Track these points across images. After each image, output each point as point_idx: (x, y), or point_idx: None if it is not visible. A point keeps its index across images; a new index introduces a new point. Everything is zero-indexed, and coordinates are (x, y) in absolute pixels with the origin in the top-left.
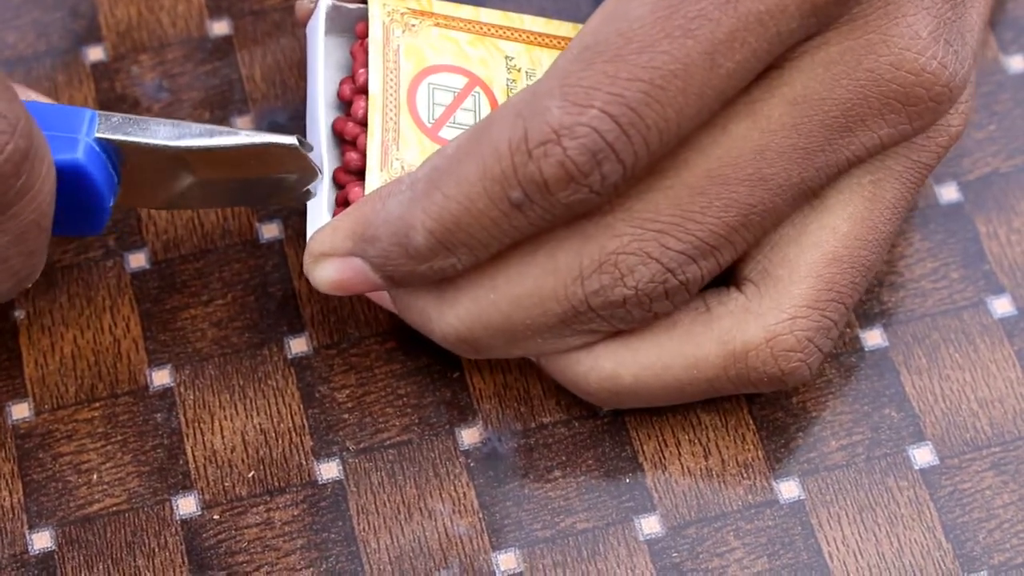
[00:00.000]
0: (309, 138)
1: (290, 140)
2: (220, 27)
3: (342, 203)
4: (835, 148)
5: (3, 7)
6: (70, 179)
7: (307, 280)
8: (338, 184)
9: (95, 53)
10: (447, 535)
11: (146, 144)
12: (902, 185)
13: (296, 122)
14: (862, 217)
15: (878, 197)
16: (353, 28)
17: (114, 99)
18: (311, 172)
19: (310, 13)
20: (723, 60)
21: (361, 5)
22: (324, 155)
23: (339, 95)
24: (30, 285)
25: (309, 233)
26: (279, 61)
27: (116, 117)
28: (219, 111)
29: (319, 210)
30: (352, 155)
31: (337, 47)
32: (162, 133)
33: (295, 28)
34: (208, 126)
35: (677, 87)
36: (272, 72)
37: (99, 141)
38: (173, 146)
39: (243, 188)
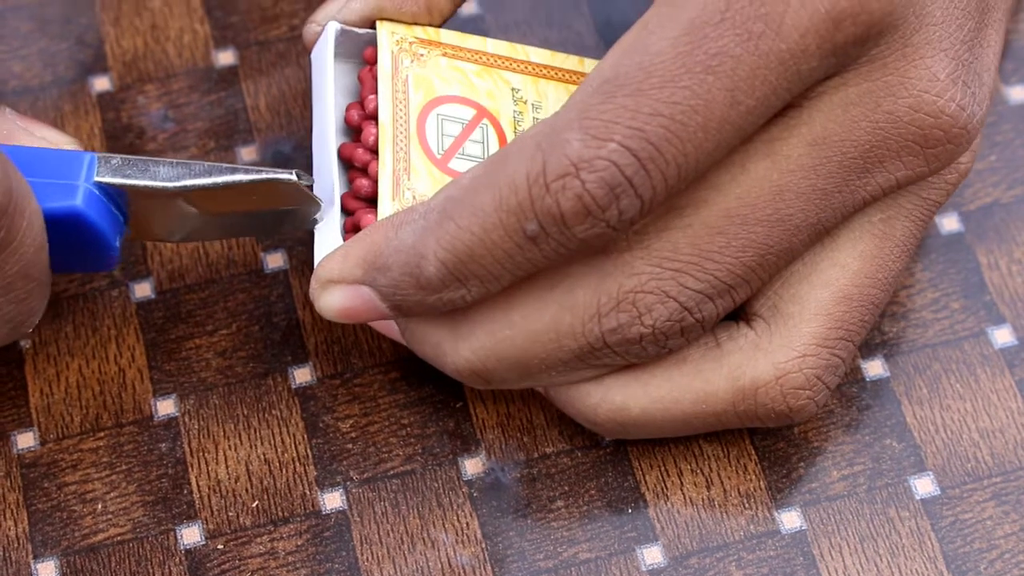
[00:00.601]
0: (317, 164)
1: (288, 175)
2: (225, 57)
3: (351, 229)
4: (852, 189)
5: (10, 37)
6: (72, 224)
7: (311, 310)
8: (346, 210)
9: (101, 83)
10: (450, 565)
11: (146, 186)
12: (912, 222)
13: (301, 152)
14: (872, 255)
15: (888, 235)
16: (359, 53)
17: (120, 129)
18: (314, 204)
19: (317, 37)
20: (743, 97)
21: (369, 31)
22: (335, 180)
23: (346, 120)
24: (30, 331)
25: (317, 258)
26: (284, 91)
27: (116, 159)
28: (224, 141)
29: (330, 235)
30: (362, 181)
31: (343, 72)
32: (162, 174)
33: (300, 58)
34: (208, 164)
35: (697, 123)
36: (277, 102)
37: (100, 185)
38: (173, 187)
39: (249, 221)
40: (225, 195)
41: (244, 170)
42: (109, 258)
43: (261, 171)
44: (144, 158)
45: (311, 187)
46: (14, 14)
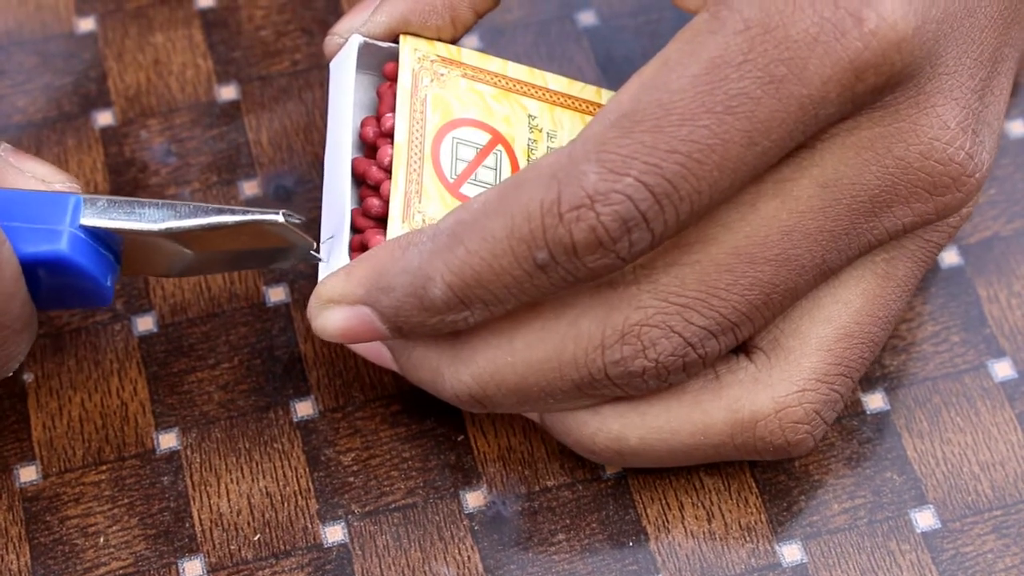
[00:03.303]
0: (329, 176)
1: (275, 216)
2: (228, 92)
3: (358, 248)
4: (859, 232)
5: (14, 72)
6: (58, 268)
7: (313, 343)
8: (355, 228)
9: (104, 118)
10: None
11: (131, 229)
12: (914, 263)
13: (303, 186)
14: (874, 293)
15: (890, 275)
16: (377, 66)
17: (122, 163)
18: (304, 242)
19: (339, 49)
20: (760, 139)
21: (391, 44)
22: (347, 195)
23: (361, 136)
24: (10, 374)
25: (322, 275)
26: (286, 126)
27: (102, 201)
28: (227, 175)
29: (338, 252)
30: (374, 201)
31: (360, 84)
32: (147, 216)
33: (301, 93)
34: (195, 205)
35: (714, 162)
36: (279, 137)
37: (86, 228)
38: (158, 229)
39: (242, 257)
40: (212, 236)
41: (231, 211)
42: (101, 296)
43: (248, 212)
44: (130, 199)
45: (299, 224)
46: (18, 49)
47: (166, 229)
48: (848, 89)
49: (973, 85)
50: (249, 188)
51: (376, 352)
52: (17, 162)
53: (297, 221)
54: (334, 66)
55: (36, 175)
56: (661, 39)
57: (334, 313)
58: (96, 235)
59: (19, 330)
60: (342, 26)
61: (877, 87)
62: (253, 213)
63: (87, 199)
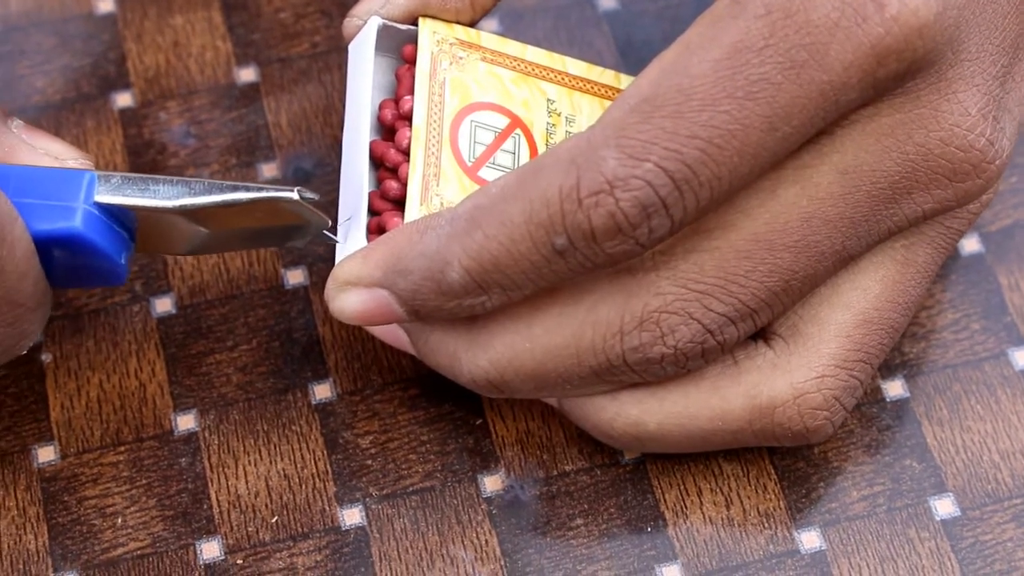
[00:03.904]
0: (347, 159)
1: (290, 193)
2: (247, 74)
3: (376, 230)
4: (879, 218)
5: (33, 52)
6: (72, 245)
7: (332, 326)
8: (373, 210)
9: (123, 99)
10: None
11: (145, 205)
12: (934, 249)
13: (322, 168)
14: (894, 280)
15: (910, 261)
16: (396, 48)
17: (141, 145)
18: (319, 219)
19: (358, 31)
20: (780, 124)
21: (410, 27)
22: (365, 178)
23: (379, 119)
24: (24, 352)
25: (339, 257)
26: (305, 108)
27: (116, 177)
28: (246, 157)
29: (355, 234)
30: (392, 183)
31: (379, 66)
32: (162, 192)
33: (321, 75)
34: (210, 182)
35: (734, 147)
36: (298, 119)
37: (100, 204)
38: (172, 206)
39: (257, 235)
40: (227, 213)
41: (245, 188)
42: (115, 274)
43: (262, 189)
44: (144, 176)
45: (314, 202)
46: (37, 30)
47: (180, 206)
48: (869, 75)
49: (994, 72)
50: (268, 170)
51: (394, 335)
52: (30, 139)
53: (312, 198)
54: (353, 48)
55: (49, 152)
56: (681, 24)
57: (351, 295)
58: (110, 212)
59: (33, 308)
60: (361, 8)
61: (898, 73)
62: (267, 190)
63: (101, 176)
